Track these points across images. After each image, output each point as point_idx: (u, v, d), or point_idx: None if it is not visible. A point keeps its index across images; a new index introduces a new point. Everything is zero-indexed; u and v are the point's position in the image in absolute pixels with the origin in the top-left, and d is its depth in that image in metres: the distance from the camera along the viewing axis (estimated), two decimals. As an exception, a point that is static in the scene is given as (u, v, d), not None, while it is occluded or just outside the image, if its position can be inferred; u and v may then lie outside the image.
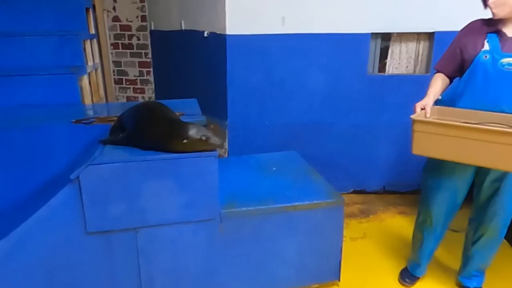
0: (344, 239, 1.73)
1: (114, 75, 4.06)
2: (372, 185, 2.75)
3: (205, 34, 2.70)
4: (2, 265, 1.36)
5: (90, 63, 2.88)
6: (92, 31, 3.04)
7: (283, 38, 2.47)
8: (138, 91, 4.08)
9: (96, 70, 3.06)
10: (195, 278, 1.55)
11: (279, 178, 1.83)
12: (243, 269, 1.59)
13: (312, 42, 2.48)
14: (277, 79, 2.55)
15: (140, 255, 1.47)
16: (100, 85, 3.15)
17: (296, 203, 1.56)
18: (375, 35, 2.50)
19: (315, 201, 1.58)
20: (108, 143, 1.57)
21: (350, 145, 2.67)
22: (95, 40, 3.05)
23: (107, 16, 3.91)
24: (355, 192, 2.76)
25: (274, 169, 1.96)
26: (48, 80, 2.36)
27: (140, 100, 4.09)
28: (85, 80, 2.62)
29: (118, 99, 4.14)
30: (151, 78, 4.01)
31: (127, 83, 4.07)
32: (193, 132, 1.37)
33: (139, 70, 4.02)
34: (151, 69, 3.99)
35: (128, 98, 4.12)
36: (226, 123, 2.62)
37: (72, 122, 1.98)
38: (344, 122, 2.63)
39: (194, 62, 3.05)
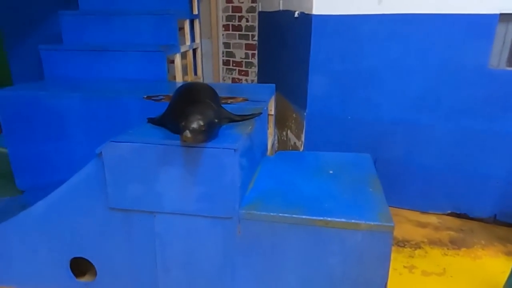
0: (413, 270, 1.37)
1: (223, 56, 4.18)
2: (478, 210, 2.16)
3: (296, 15, 2.48)
4: (38, 223, 1.50)
5: (188, 42, 2.98)
6: (195, 11, 3.12)
7: (378, 20, 2.08)
8: (242, 73, 4.11)
9: (195, 50, 3.16)
10: (209, 277, 1.44)
11: (328, 184, 1.55)
12: (259, 281, 1.40)
13: (415, 25, 2.02)
14: (367, 67, 2.18)
15: (156, 241, 1.43)
16: (198, 64, 3.25)
17: (329, 218, 1.29)
18: (505, 16, 1.89)
19: (353, 221, 1.28)
20: (151, 122, 1.56)
21: (453, 155, 2.13)
22: (197, 21, 3.14)
23: (222, -3, 4.00)
24: (452, 214, 2.22)
25: (331, 172, 1.67)
26: (140, 57, 2.52)
27: (244, 82, 4.13)
28: (177, 58, 2.72)
29: (224, 80, 4.26)
30: (255, 60, 3.98)
31: (234, 64, 4.14)
32: (188, 124, 1.20)
33: (245, 52, 4.03)
34: (256, 52, 3.95)
35: (233, 79, 4.21)
36: (305, 114, 2.39)
37: (144, 97, 2.07)
38: (449, 126, 2.10)
39: (285, 45, 2.87)
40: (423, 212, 2.28)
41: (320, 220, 1.29)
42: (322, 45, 2.23)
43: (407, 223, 2.18)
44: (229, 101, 2.00)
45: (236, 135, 1.37)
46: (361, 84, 2.21)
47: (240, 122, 1.57)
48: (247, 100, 2.00)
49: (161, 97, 2.07)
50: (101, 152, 1.35)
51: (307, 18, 2.27)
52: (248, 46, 3.99)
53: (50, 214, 1.48)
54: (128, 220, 1.43)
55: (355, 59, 2.19)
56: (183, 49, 2.82)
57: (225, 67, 4.18)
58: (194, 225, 1.38)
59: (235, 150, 1.27)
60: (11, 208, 2.13)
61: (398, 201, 2.30)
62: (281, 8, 2.91)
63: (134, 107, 2.08)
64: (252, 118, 1.63)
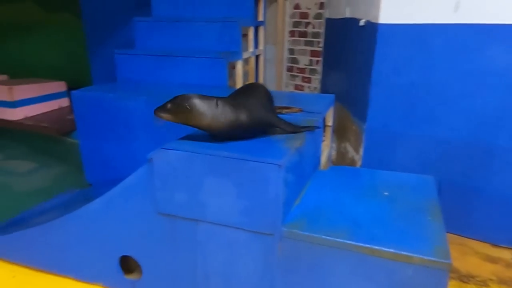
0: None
1: (287, 62, 4.15)
2: None
3: (361, 23, 2.36)
4: (94, 219, 1.59)
5: (251, 49, 3.00)
6: (261, 18, 3.13)
7: (453, 30, 1.90)
8: (305, 80, 4.05)
9: (258, 56, 3.17)
10: (247, 291, 1.42)
11: (381, 207, 1.44)
12: (298, 303, 1.34)
13: (496, 37, 1.80)
14: (436, 81, 2.00)
15: (198, 248, 1.44)
16: (260, 71, 3.26)
17: (376, 247, 1.19)
18: None
19: (404, 252, 1.16)
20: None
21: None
22: (261, 27, 3.15)
23: (290, 3, 3.98)
24: (532, 252, 1.94)
25: (386, 193, 1.55)
26: (201, 63, 2.58)
27: (306, 90, 4.06)
28: (239, 65, 2.74)
29: (287, 87, 4.23)
30: (319, 68, 3.89)
31: (297, 71, 4.09)
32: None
33: (310, 59, 3.96)
34: (321, 59, 3.86)
35: (296, 86, 4.16)
36: (364, 127, 2.26)
37: (201, 104, 2.10)
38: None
39: (349, 54, 2.75)
40: (495, 245, 2.02)
41: (366, 247, 1.19)
42: (387, 56, 2.09)
43: (474, 255, 1.95)
44: (284, 110, 1.96)
45: (283, 150, 1.33)
46: (429, 99, 2.03)
47: (292, 135, 1.52)
48: (302, 110, 1.95)
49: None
50: (151, 158, 1.40)
51: (372, 27, 2.15)
52: (313, 53, 3.91)
53: (105, 212, 1.56)
54: (173, 226, 1.46)
55: (424, 71, 2.02)
56: (245, 55, 2.85)
57: (289, 73, 4.15)
58: (235, 237, 1.37)
59: (280, 166, 1.23)
60: (78, 200, 2.30)
61: (466, 229, 2.08)
62: (347, 16, 2.80)
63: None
64: (305, 131, 1.57)
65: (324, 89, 3.71)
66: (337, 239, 1.22)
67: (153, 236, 1.51)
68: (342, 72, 3.02)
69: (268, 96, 1.57)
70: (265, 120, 1.47)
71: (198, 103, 1.32)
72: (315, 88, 3.97)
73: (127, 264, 1.67)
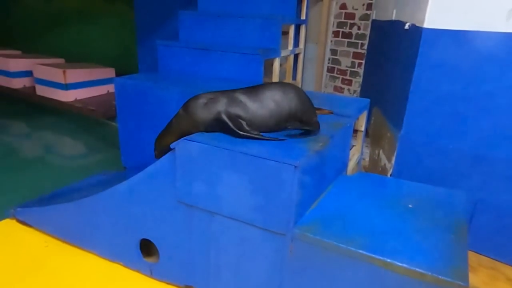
0: None
1: (328, 63, 4.08)
2: None
3: (406, 26, 2.26)
4: (120, 201, 1.66)
5: (290, 47, 2.98)
6: (303, 17, 3.10)
7: (504, 39, 1.77)
8: (346, 82, 3.96)
9: (297, 55, 3.14)
10: (255, 287, 1.42)
11: (402, 219, 1.38)
12: (304, 307, 1.33)
13: (553, 47, 1.66)
14: (482, 92, 1.87)
15: (212, 240, 1.47)
16: (298, 70, 3.23)
17: (389, 260, 1.14)
18: None
19: (417, 269, 1.11)
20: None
21: None
22: (303, 26, 3.12)
23: (336, 3, 3.90)
24: None
25: (410, 206, 1.49)
26: (238, 58, 2.61)
27: (346, 92, 3.97)
28: (276, 62, 2.74)
29: (326, 87, 4.16)
30: (360, 70, 3.79)
31: (338, 72, 4.01)
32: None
33: (352, 61, 3.87)
34: (363, 61, 3.75)
35: (335, 87, 4.08)
36: (399, 135, 2.17)
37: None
38: None
39: (391, 58, 2.65)
40: (531, 273, 1.87)
41: (379, 259, 1.15)
42: (430, 62, 1.99)
43: (505, 282, 1.82)
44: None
45: (301, 150, 1.32)
46: (471, 111, 1.91)
47: (314, 136, 1.49)
48: (332, 113, 1.91)
49: (249, 100, 2.10)
50: (174, 148, 1.44)
51: (417, 31, 2.06)
52: (356, 55, 3.81)
53: (129, 195, 1.63)
54: (191, 215, 1.49)
55: (468, 81, 1.90)
56: (284, 53, 2.83)
57: (329, 74, 4.08)
58: (247, 233, 1.38)
59: (295, 166, 1.22)
60: (111, 182, 2.42)
61: (499, 253, 1.94)
62: (393, 18, 2.70)
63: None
64: (305, 134, 1.50)
65: (363, 93, 3.61)
66: (349, 248, 1.19)
67: (171, 223, 1.56)
68: (383, 76, 2.91)
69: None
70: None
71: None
72: (355, 91, 3.87)
73: (148, 248, 1.73)
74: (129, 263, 1.74)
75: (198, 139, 1.39)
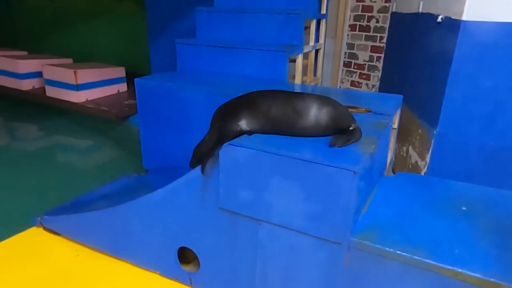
0: None
1: (344, 57, 4.00)
2: None
3: (439, 19, 2.18)
4: (156, 209, 1.60)
5: (311, 43, 2.90)
6: (324, 10, 3.02)
7: (551, 30, 1.69)
8: (363, 76, 3.88)
9: (317, 50, 3.06)
10: (307, 299, 1.36)
11: (460, 224, 1.31)
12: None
13: None
14: (526, 87, 1.80)
15: (258, 249, 1.40)
16: (319, 65, 3.15)
17: (460, 270, 1.08)
18: None
19: (491, 279, 1.04)
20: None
21: None
22: (323, 20, 3.04)
23: (353, -4, 3.81)
24: None
25: (464, 209, 1.42)
26: (262, 56, 2.53)
27: (364, 87, 3.89)
28: (299, 59, 2.67)
29: (342, 82, 4.08)
30: (379, 64, 3.71)
31: (355, 67, 3.92)
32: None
33: (370, 55, 3.78)
34: (382, 55, 3.67)
35: (352, 82, 4.00)
36: (434, 132, 2.10)
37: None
38: None
39: (418, 51, 2.57)
40: None
41: (448, 269, 1.09)
42: (468, 56, 1.91)
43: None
44: (349, 110, 1.86)
45: (357, 154, 1.25)
46: (515, 106, 1.84)
47: (363, 139, 1.42)
48: (370, 111, 1.84)
49: (280, 99, 2.03)
50: (218, 153, 1.37)
51: (453, 24, 1.98)
52: (374, 49, 3.72)
53: (167, 203, 1.57)
54: (234, 223, 1.43)
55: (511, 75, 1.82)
56: (305, 49, 2.76)
57: (345, 69, 3.99)
58: (298, 242, 1.31)
59: (355, 172, 1.15)
60: (137, 186, 2.36)
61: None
62: (420, 11, 2.61)
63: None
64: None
65: (383, 87, 3.53)
66: (415, 257, 1.13)
67: (213, 231, 1.49)
68: (408, 71, 2.83)
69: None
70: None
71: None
72: (374, 86, 3.79)
73: (185, 255, 1.67)
74: (166, 272, 1.68)
75: (244, 143, 1.32)
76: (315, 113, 1.39)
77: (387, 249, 1.17)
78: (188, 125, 2.36)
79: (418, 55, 2.62)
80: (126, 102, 4.37)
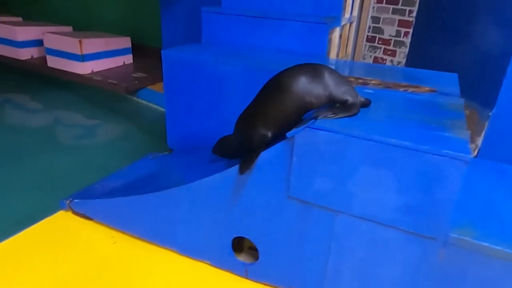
0: None
1: (368, 32, 3.81)
2: None
3: (497, -9, 2.02)
4: (210, 195, 1.46)
5: (347, 15, 2.71)
6: (358, -20, 2.81)
7: None
8: (388, 52, 3.71)
9: (350, 24, 2.88)
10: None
11: (556, 217, 1.21)
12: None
13: None
14: None
15: (333, 241, 1.29)
16: (350, 40, 2.98)
17: None
18: None
19: None
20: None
21: None
22: (358, -10, 2.83)
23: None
24: None
25: (551, 199, 1.32)
26: (299, 28, 2.34)
27: (388, 63, 3.73)
28: (336, 33, 2.49)
29: (364, 58, 3.91)
30: (407, 40, 3.54)
31: (379, 42, 3.75)
32: None
33: (397, 30, 3.60)
34: (411, 30, 3.49)
35: (375, 59, 3.83)
36: (489, 114, 1.98)
37: (310, 74, 1.89)
38: None
39: (463, 25, 2.41)
40: None
41: None
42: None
43: None
44: (410, 89, 1.73)
45: (458, 141, 1.11)
46: None
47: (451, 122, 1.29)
48: (435, 91, 1.70)
49: (330, 75, 1.87)
50: (293, 137, 1.22)
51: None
52: (402, 23, 3.54)
53: (224, 190, 1.43)
54: (305, 213, 1.30)
55: None
56: (342, 22, 2.57)
57: (368, 44, 3.81)
58: (383, 236, 1.20)
59: (466, 162, 1.02)
60: (167, 167, 2.20)
61: None
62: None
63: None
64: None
65: (411, 64, 3.38)
66: (529, 256, 1.02)
67: (278, 220, 1.37)
68: (450, 46, 2.68)
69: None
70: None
71: None
72: (399, 62, 3.63)
73: (236, 245, 1.55)
74: (218, 263, 1.56)
75: (327, 127, 1.17)
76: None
77: (494, 247, 1.06)
78: (222, 102, 2.19)
79: (462, 29, 2.46)
80: (134, 75, 4.13)
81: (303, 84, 1.26)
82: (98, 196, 1.81)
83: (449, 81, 1.86)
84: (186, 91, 2.26)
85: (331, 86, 1.26)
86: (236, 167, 1.38)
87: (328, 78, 1.27)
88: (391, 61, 3.68)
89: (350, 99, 1.26)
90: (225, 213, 1.46)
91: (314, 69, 1.30)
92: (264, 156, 1.31)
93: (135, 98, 4.04)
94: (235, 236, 1.49)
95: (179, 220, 1.57)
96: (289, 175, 1.27)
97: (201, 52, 2.24)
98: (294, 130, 1.22)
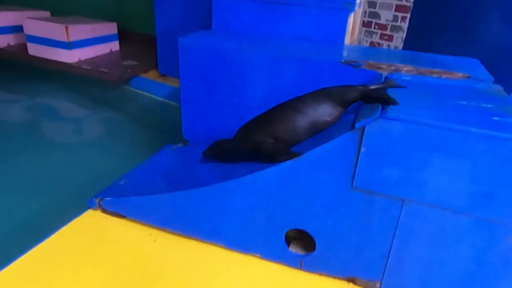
0: None
1: (364, 17, 3.83)
2: None
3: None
4: (265, 189, 1.43)
5: (358, 0, 2.70)
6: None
7: None
8: (385, 37, 3.76)
9: (359, 8, 2.88)
10: (450, 281, 1.30)
11: None
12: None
13: None
14: None
15: (398, 230, 1.30)
16: (357, 25, 2.98)
17: None
18: None
19: None
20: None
21: None
22: (366, -24, 2.83)
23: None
24: None
25: None
26: (318, 14, 2.31)
27: (385, 47, 3.78)
28: (351, 18, 2.48)
29: (360, 43, 3.94)
30: (404, 25, 3.59)
31: (376, 27, 3.78)
32: None
33: (394, 14, 3.64)
34: (408, 15, 3.55)
35: (371, 44, 3.87)
36: (507, 98, 2.06)
37: (342, 62, 1.89)
38: None
39: (465, 8, 2.47)
40: None
41: None
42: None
43: None
44: (443, 75, 1.76)
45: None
46: None
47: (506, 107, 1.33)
48: (468, 77, 1.74)
49: (361, 63, 1.87)
50: (362, 128, 1.21)
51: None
52: (399, 8, 3.58)
53: (282, 183, 1.40)
54: (369, 202, 1.31)
55: None
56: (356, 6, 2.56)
57: (365, 28, 3.84)
58: (452, 221, 1.23)
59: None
60: (190, 158, 2.14)
61: None
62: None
63: (329, 72, 1.91)
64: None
65: (408, 49, 3.44)
66: None
67: (339, 211, 1.36)
68: (449, 31, 2.75)
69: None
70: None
71: None
72: (396, 47, 3.69)
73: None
74: (270, 255, 1.55)
75: (400, 116, 1.17)
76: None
77: None
78: (243, 92, 2.14)
79: (463, 13, 2.52)
80: (125, 63, 3.95)
81: (319, 108, 1.51)
82: (130, 193, 1.73)
83: (475, 67, 1.90)
84: (205, 80, 2.19)
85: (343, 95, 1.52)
86: (292, 161, 1.36)
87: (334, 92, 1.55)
88: (388, 45, 3.74)
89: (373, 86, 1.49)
90: (281, 206, 1.44)
91: (323, 91, 1.58)
92: (326, 148, 1.30)
93: (126, 87, 3.87)
94: (290, 228, 1.47)
95: (227, 215, 1.54)
96: (355, 166, 1.27)
97: (223, 40, 2.17)
98: (364, 120, 1.21)
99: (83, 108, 3.55)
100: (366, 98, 1.46)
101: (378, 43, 3.79)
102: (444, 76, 1.74)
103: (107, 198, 1.73)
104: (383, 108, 1.25)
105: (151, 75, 3.85)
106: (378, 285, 1.41)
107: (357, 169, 1.27)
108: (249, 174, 1.44)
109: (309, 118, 1.50)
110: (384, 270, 1.38)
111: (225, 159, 1.73)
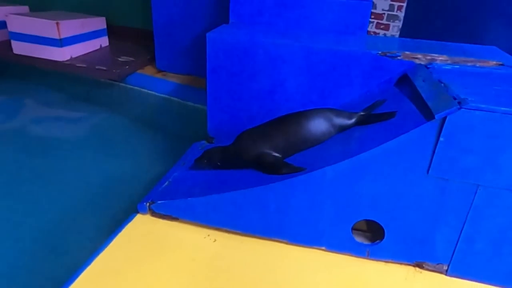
0: None
1: (360, 6, 3.89)
2: None
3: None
4: (335, 183, 1.45)
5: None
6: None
7: None
8: (381, 26, 3.84)
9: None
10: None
11: None
12: None
13: None
14: None
15: (470, 213, 1.37)
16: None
17: None
18: None
19: None
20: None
21: None
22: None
23: None
24: None
25: None
26: (342, 5, 2.33)
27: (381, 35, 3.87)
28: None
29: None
30: (401, 14, 3.69)
31: (372, 16, 3.86)
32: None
33: (390, 4, 3.73)
34: (404, 4, 3.65)
35: (367, 33, 3.94)
36: None
37: (379, 54, 1.92)
38: None
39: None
40: None
41: None
42: None
43: None
44: (478, 63, 1.84)
45: None
46: None
47: None
48: (502, 64, 1.82)
49: (398, 54, 1.92)
50: (442, 118, 1.25)
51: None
52: (396, -3, 3.68)
53: (353, 175, 1.42)
54: (443, 189, 1.36)
55: None
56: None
57: (360, 19, 3.91)
58: (524, 202, 1.30)
59: None
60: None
61: None
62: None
63: (366, 64, 1.94)
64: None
65: (405, 37, 3.54)
66: None
67: (412, 199, 1.40)
68: (445, 20, 2.86)
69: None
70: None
71: None
72: (393, 36, 3.79)
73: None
74: (336, 247, 1.56)
75: (482, 106, 1.22)
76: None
77: None
78: (275, 87, 2.13)
79: (460, 2, 2.64)
80: (120, 59, 3.79)
81: (320, 126, 1.69)
82: (181, 195, 1.69)
83: (499, 54, 2.00)
84: (234, 75, 2.16)
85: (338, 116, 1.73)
86: (366, 153, 1.39)
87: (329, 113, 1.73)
88: (385, 34, 3.83)
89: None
90: (351, 198, 1.46)
91: (324, 112, 1.74)
92: (402, 139, 1.33)
93: (122, 84, 3.72)
94: (358, 220, 1.50)
95: (290, 211, 1.54)
96: (432, 154, 1.31)
97: (251, 34, 2.14)
98: (445, 111, 1.25)
99: (83, 109, 3.39)
100: (363, 123, 1.67)
101: (374, 32, 3.88)
102: (478, 64, 1.81)
103: (159, 202, 1.67)
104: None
105: (148, 71, 3.72)
106: (445, 267, 1.47)
107: (434, 158, 1.31)
108: (315, 170, 1.44)
109: (309, 133, 1.67)
110: (453, 253, 1.44)
111: (222, 167, 1.79)
